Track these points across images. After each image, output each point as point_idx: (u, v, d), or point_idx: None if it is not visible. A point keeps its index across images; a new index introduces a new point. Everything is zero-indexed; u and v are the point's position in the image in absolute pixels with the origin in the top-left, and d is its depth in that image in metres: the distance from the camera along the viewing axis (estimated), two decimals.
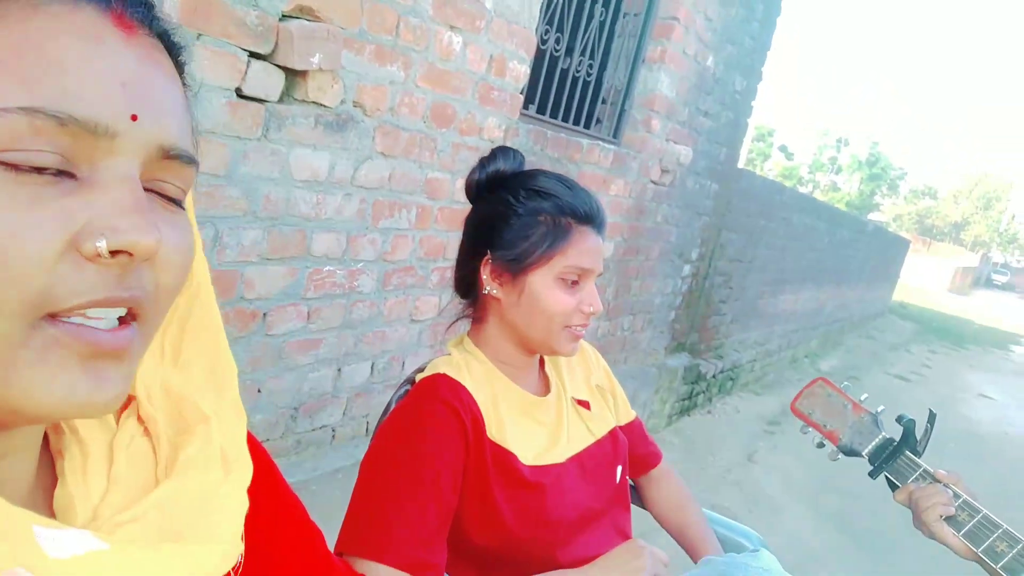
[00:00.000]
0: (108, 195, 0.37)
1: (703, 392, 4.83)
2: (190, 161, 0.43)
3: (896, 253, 12.54)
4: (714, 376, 4.92)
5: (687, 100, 3.54)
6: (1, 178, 0.34)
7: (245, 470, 0.51)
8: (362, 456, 2.33)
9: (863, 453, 1.22)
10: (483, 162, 1.12)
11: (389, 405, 1.16)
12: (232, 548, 0.47)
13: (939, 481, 1.15)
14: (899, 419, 1.20)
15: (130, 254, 0.37)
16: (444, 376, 1.05)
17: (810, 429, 1.29)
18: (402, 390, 1.14)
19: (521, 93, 2.50)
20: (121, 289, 0.38)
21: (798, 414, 1.29)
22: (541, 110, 2.78)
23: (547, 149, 2.72)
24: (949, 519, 1.10)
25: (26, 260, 0.34)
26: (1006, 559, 1.01)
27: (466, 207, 2.59)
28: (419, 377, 1.09)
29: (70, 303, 0.36)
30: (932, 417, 1.19)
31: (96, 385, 0.38)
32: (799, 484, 3.94)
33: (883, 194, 43.91)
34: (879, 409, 1.25)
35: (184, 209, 0.45)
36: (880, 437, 1.22)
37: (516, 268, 1.07)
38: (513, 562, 1.03)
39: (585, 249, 1.06)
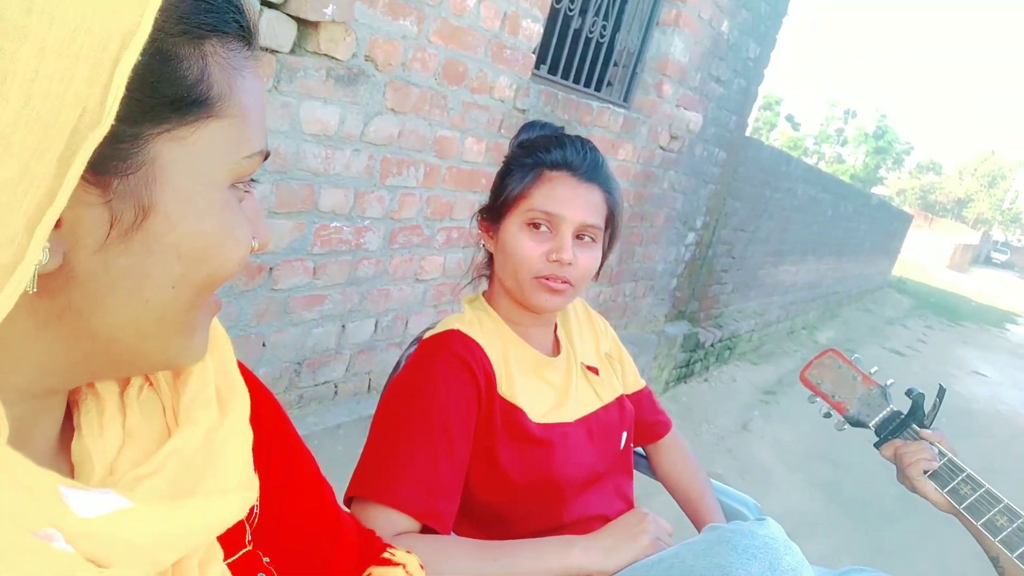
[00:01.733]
0: (253, 205, 0.47)
1: (701, 360, 4.86)
2: None
3: (898, 228, 12.51)
4: (712, 345, 4.95)
5: (699, 65, 3.49)
6: (235, 197, 0.44)
7: (242, 403, 0.52)
8: (364, 412, 2.34)
9: (870, 424, 1.24)
10: (513, 138, 1.15)
11: (400, 362, 1.17)
12: (248, 493, 0.48)
13: (924, 439, 1.19)
14: (908, 392, 1.21)
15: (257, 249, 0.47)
16: (457, 332, 1.05)
17: (818, 399, 1.30)
18: (412, 347, 1.14)
19: (534, 52, 2.46)
20: None
21: (807, 384, 1.30)
22: (552, 71, 2.74)
23: (557, 111, 2.69)
24: (932, 474, 1.14)
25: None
26: (1005, 533, 1.03)
27: (474, 168, 2.57)
28: (429, 334, 1.09)
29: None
30: (941, 392, 1.20)
31: (207, 340, 0.47)
32: (792, 453, 3.99)
33: (888, 168, 43.64)
34: (888, 382, 1.26)
35: None
36: (888, 410, 1.23)
37: (496, 217, 1.09)
38: (517, 519, 1.05)
39: (553, 195, 1.04)
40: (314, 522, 0.66)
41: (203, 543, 0.46)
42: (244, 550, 0.54)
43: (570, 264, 1.03)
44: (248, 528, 0.56)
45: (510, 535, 1.01)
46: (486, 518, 1.06)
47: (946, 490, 1.11)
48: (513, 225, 1.06)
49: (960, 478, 1.10)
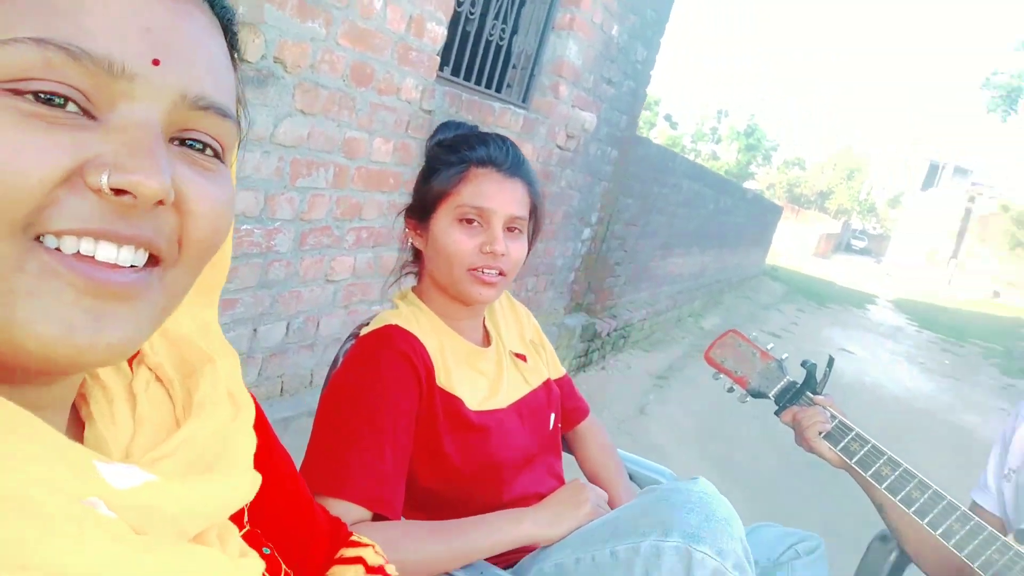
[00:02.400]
0: (121, 135, 0.37)
1: (598, 349, 5.04)
2: (225, 115, 0.43)
3: (771, 219, 13.35)
4: (608, 334, 5.15)
5: (592, 68, 3.64)
6: (8, 105, 0.34)
7: (249, 408, 0.54)
8: (278, 415, 2.31)
9: (770, 395, 1.38)
10: (429, 138, 1.20)
11: (337, 358, 1.19)
12: (256, 478, 0.51)
13: (818, 404, 1.34)
14: (803, 363, 1.36)
15: (133, 195, 0.37)
16: (396, 327, 1.09)
17: (722, 375, 1.43)
18: (349, 343, 1.17)
19: (438, 55, 2.51)
20: (124, 226, 0.38)
21: (711, 362, 1.42)
22: (456, 72, 2.80)
23: (461, 111, 2.75)
24: (826, 435, 1.29)
25: (25, 179, 0.34)
26: (889, 480, 1.19)
27: (382, 168, 2.59)
28: (366, 331, 1.13)
29: (59, 226, 0.36)
30: (831, 361, 1.36)
31: (96, 326, 0.37)
32: (686, 433, 4.23)
33: (758, 164, 46.30)
34: (784, 356, 1.40)
35: (223, 163, 0.45)
36: (785, 380, 1.37)
37: (424, 216, 1.13)
38: (458, 502, 1.10)
39: (482, 190, 1.10)
40: (292, 512, 0.69)
41: (222, 517, 0.48)
42: (246, 529, 0.58)
43: (503, 255, 1.10)
44: (245, 511, 0.59)
45: (454, 518, 1.07)
46: (430, 504, 1.11)
47: (839, 448, 1.26)
48: (444, 221, 1.10)
49: (850, 436, 1.26)
